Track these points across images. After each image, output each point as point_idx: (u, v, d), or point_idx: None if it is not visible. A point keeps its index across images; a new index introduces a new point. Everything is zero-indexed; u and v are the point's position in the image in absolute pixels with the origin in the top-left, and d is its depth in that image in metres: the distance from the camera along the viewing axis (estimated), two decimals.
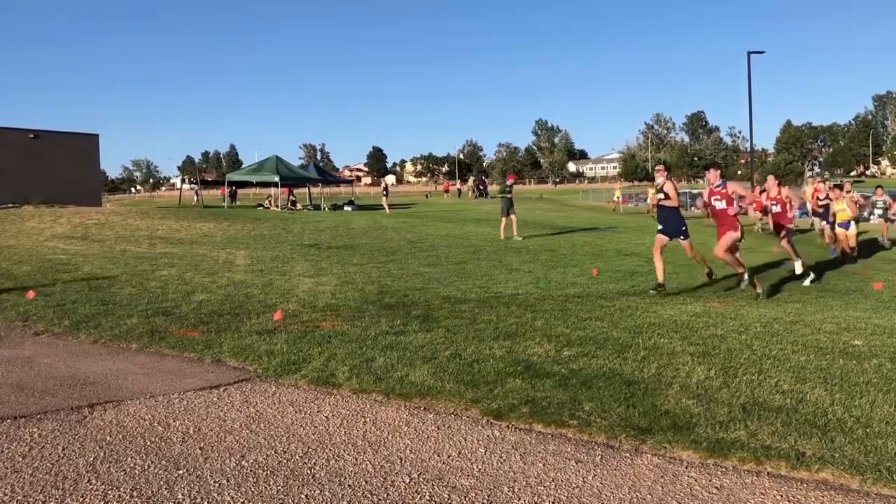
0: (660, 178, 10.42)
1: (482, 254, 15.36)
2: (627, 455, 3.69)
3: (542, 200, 58.32)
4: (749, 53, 45.71)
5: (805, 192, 23.99)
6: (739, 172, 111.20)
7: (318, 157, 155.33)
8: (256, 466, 3.53)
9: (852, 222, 15.72)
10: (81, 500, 3.14)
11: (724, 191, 9.78)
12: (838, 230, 16.12)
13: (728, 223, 9.63)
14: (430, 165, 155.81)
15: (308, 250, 15.17)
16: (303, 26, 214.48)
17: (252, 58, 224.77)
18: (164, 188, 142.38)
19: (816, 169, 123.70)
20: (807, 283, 10.89)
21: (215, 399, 4.67)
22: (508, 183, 21.55)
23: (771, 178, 11.92)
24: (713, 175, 10.15)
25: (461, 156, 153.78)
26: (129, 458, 3.62)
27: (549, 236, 21.01)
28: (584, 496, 3.22)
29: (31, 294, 8.40)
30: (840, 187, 17.30)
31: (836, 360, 5.42)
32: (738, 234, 9.57)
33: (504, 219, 19.86)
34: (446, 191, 76.26)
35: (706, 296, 9.86)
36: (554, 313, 7.53)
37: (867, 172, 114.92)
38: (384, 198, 38.24)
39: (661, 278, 9.93)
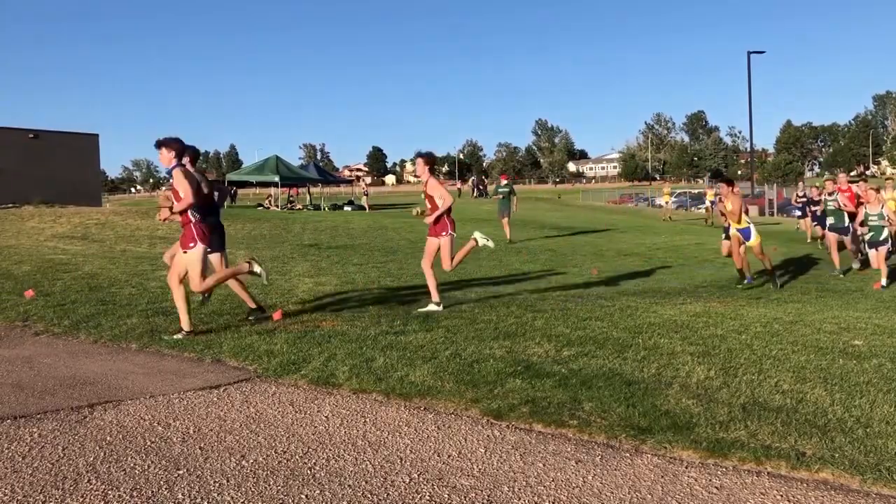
0: None
1: (482, 254, 15.34)
2: (627, 455, 3.69)
3: (543, 200, 58.29)
4: (749, 53, 45.80)
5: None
6: (739, 172, 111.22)
7: (318, 157, 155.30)
8: (256, 466, 3.53)
9: (751, 229, 11.38)
10: (81, 500, 3.14)
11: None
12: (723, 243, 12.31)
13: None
14: None
15: (308, 250, 15.18)
16: (303, 26, 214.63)
17: (252, 58, 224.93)
18: (164, 188, 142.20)
19: (817, 169, 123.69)
20: (429, 308, 7.97)
21: (215, 399, 4.67)
22: (503, 183, 21.06)
23: (420, 162, 8.47)
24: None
25: (461, 156, 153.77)
26: (129, 458, 3.62)
27: (548, 237, 21.02)
28: (584, 496, 3.22)
29: (29, 294, 8.40)
30: (727, 181, 12.26)
31: (836, 360, 5.42)
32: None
33: (502, 220, 19.55)
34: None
35: (706, 296, 9.86)
36: (554, 313, 7.53)
37: (867, 172, 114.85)
38: (364, 197, 39.00)
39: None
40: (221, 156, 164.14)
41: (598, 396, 4.52)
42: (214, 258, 7.32)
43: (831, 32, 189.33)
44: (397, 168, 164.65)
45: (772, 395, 4.56)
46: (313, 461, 3.61)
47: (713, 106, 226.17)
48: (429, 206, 8.45)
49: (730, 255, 11.97)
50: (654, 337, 6.24)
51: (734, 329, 6.68)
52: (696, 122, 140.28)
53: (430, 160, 8.40)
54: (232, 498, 3.17)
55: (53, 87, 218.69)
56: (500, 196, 19.97)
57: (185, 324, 6.43)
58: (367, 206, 37.51)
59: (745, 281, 11.24)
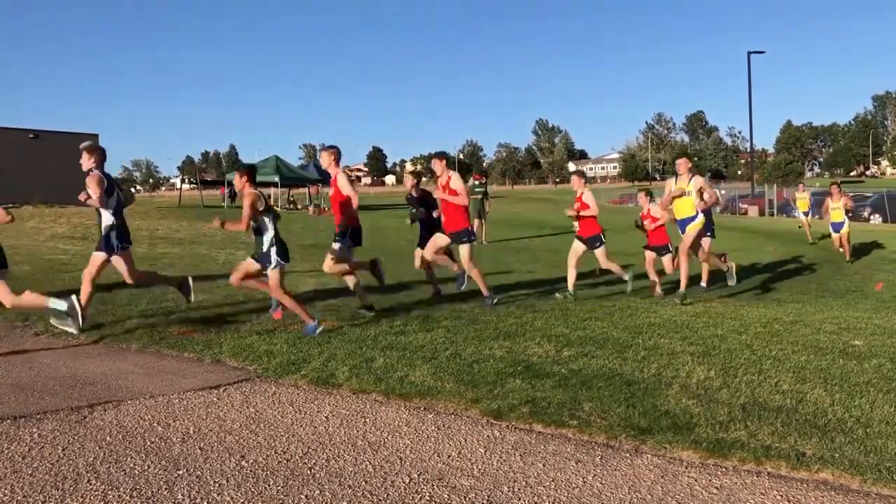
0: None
1: (483, 254, 15.35)
2: (627, 455, 3.69)
3: (542, 201, 58.19)
4: (749, 53, 45.83)
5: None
6: (740, 172, 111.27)
7: (318, 157, 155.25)
8: (256, 466, 3.53)
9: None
10: (81, 500, 3.14)
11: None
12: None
13: None
14: (430, 166, 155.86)
15: (308, 250, 15.17)
16: (302, 27, 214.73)
17: (252, 58, 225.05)
18: (163, 188, 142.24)
19: (817, 169, 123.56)
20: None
21: (215, 399, 4.67)
22: (476, 182, 20.55)
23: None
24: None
25: (461, 156, 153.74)
26: (129, 458, 3.62)
27: (549, 236, 21.02)
28: (584, 496, 3.21)
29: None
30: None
31: (836, 360, 5.42)
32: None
33: (476, 221, 19.00)
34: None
35: (706, 296, 9.86)
36: (554, 313, 7.53)
37: (867, 173, 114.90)
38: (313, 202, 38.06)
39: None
40: (221, 156, 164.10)
41: (598, 396, 4.52)
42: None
43: (831, 33, 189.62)
44: (397, 168, 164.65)
45: (772, 395, 4.56)
46: (313, 461, 3.60)
47: (713, 106, 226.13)
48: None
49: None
50: (654, 337, 6.24)
51: (734, 329, 6.68)
52: (696, 122, 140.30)
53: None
54: (232, 498, 3.17)
55: (53, 87, 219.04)
56: (477, 196, 19.49)
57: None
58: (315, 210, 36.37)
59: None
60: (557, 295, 9.03)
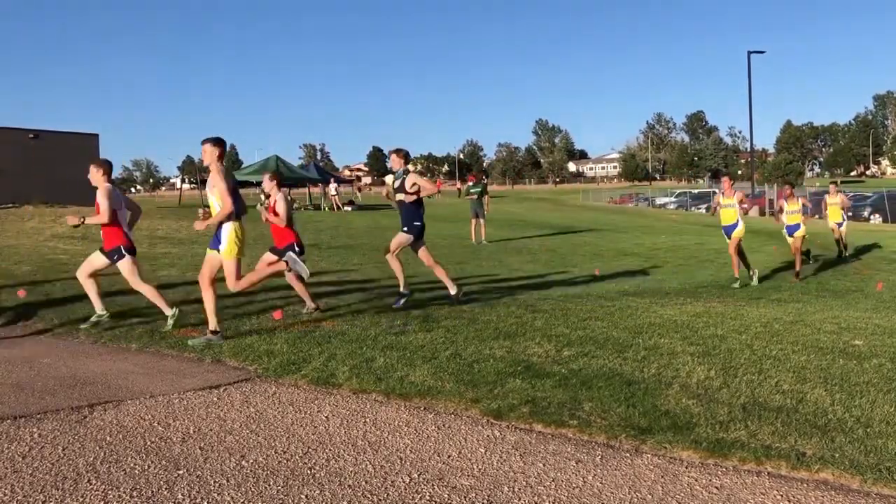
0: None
1: (482, 254, 15.38)
2: (627, 455, 3.69)
3: (541, 201, 58.14)
4: (749, 53, 45.84)
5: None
6: (740, 172, 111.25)
7: (318, 157, 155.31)
8: (256, 466, 3.53)
9: None
10: (81, 500, 3.14)
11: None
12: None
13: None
14: (430, 165, 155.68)
15: (308, 250, 15.16)
16: (302, 26, 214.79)
17: (252, 58, 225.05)
18: (163, 188, 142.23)
19: (817, 169, 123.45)
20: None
21: (215, 399, 4.67)
22: (470, 184, 20.55)
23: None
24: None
25: (461, 156, 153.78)
26: (129, 458, 3.62)
27: (548, 236, 21.02)
28: (584, 496, 3.21)
29: (22, 293, 8.39)
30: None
31: (837, 360, 5.42)
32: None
33: (473, 221, 18.91)
34: (438, 191, 74.29)
35: (706, 296, 9.87)
36: (554, 313, 7.52)
37: (867, 172, 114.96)
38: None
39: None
40: None
41: (598, 396, 4.52)
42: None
43: (832, 32, 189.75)
44: None
45: (772, 395, 4.56)
46: (313, 461, 3.60)
47: (713, 106, 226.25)
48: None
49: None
50: (655, 337, 6.24)
51: (734, 329, 6.68)
52: (696, 122, 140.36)
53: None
54: (232, 498, 3.17)
55: (53, 87, 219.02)
56: (474, 196, 19.22)
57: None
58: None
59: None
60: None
